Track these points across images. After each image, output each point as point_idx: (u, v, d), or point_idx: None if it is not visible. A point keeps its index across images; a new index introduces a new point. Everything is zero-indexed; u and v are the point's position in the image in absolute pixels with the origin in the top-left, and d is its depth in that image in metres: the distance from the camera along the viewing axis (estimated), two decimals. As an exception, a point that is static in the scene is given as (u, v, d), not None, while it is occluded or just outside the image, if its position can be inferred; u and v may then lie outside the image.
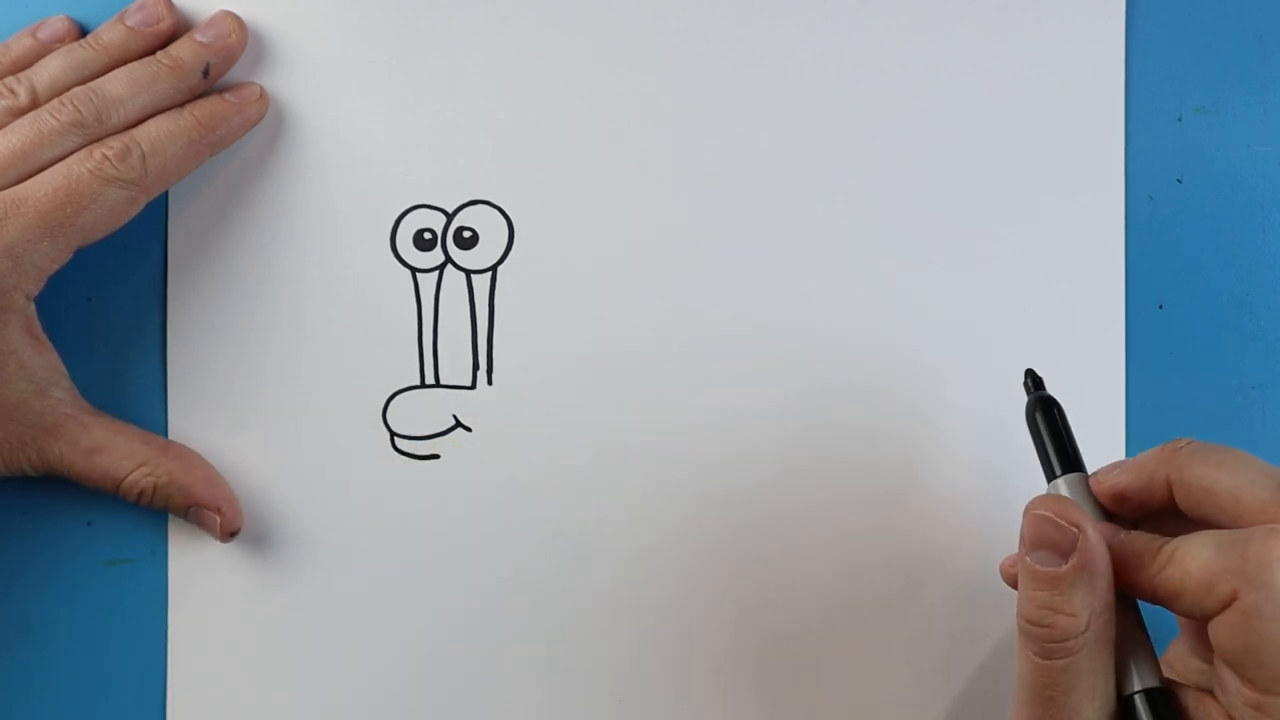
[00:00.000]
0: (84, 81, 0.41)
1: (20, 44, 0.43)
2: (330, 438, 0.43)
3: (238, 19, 0.43)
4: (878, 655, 0.43)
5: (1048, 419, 0.38)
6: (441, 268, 0.44)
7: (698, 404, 0.43)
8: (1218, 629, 0.32)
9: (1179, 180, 0.44)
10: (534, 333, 0.43)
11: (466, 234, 0.44)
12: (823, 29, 0.44)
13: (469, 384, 0.44)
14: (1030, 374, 0.40)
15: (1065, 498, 0.36)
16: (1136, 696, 0.34)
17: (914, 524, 0.43)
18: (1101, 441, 0.44)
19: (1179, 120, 0.44)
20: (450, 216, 0.44)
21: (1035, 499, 0.35)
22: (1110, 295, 0.44)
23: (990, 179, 0.44)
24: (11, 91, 0.41)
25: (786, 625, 0.43)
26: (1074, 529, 0.34)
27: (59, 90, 0.41)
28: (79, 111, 0.40)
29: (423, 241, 0.44)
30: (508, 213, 0.44)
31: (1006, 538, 0.43)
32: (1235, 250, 0.44)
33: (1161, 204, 0.44)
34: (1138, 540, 0.35)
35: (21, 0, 0.44)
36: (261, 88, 0.43)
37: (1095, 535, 0.34)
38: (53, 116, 0.40)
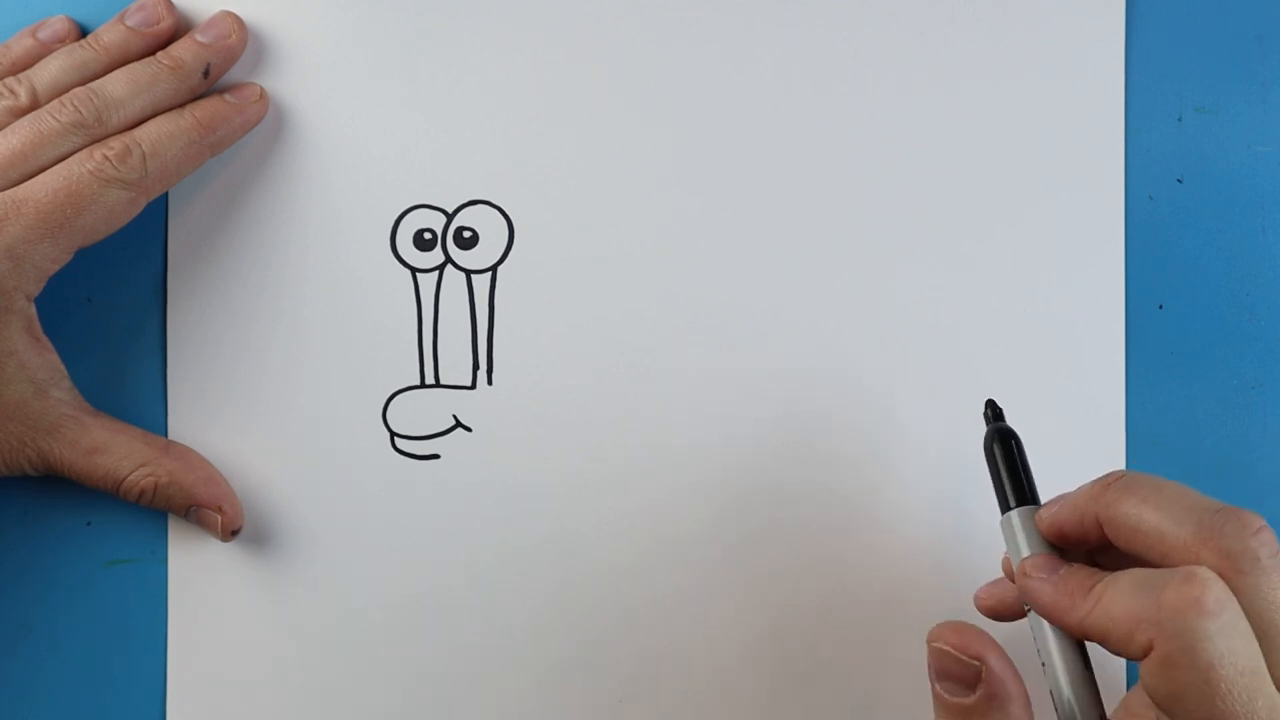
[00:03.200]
0: (84, 82, 0.41)
1: (20, 44, 0.43)
2: (330, 438, 0.43)
3: (238, 19, 0.43)
4: (876, 658, 0.43)
5: (1004, 450, 0.38)
6: (441, 268, 0.44)
7: (698, 404, 0.43)
8: (1145, 674, 0.31)
9: (1179, 180, 0.44)
10: (534, 333, 0.43)
11: (466, 234, 0.44)
12: (822, 29, 0.44)
13: (469, 384, 0.44)
14: (990, 404, 0.39)
15: (967, 626, 0.34)
16: None
17: (913, 523, 0.43)
18: (1102, 442, 0.44)
19: (1179, 120, 0.44)
20: (450, 216, 0.44)
21: (935, 630, 0.34)
22: (1110, 295, 0.44)
23: (990, 179, 0.44)
24: (12, 92, 0.41)
25: (788, 624, 0.43)
26: (975, 663, 0.33)
27: (59, 91, 0.41)
28: (79, 112, 0.40)
29: (423, 241, 0.44)
30: (508, 213, 0.44)
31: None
32: (1235, 250, 0.44)
33: (1161, 204, 0.44)
34: (1071, 578, 0.34)
35: (22, 0, 0.44)
36: (262, 88, 0.43)
37: (1000, 664, 0.33)
38: (53, 117, 0.40)
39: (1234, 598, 0.30)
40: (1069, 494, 0.36)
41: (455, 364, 0.43)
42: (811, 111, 0.44)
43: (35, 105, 0.41)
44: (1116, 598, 0.32)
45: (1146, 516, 0.32)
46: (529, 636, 0.43)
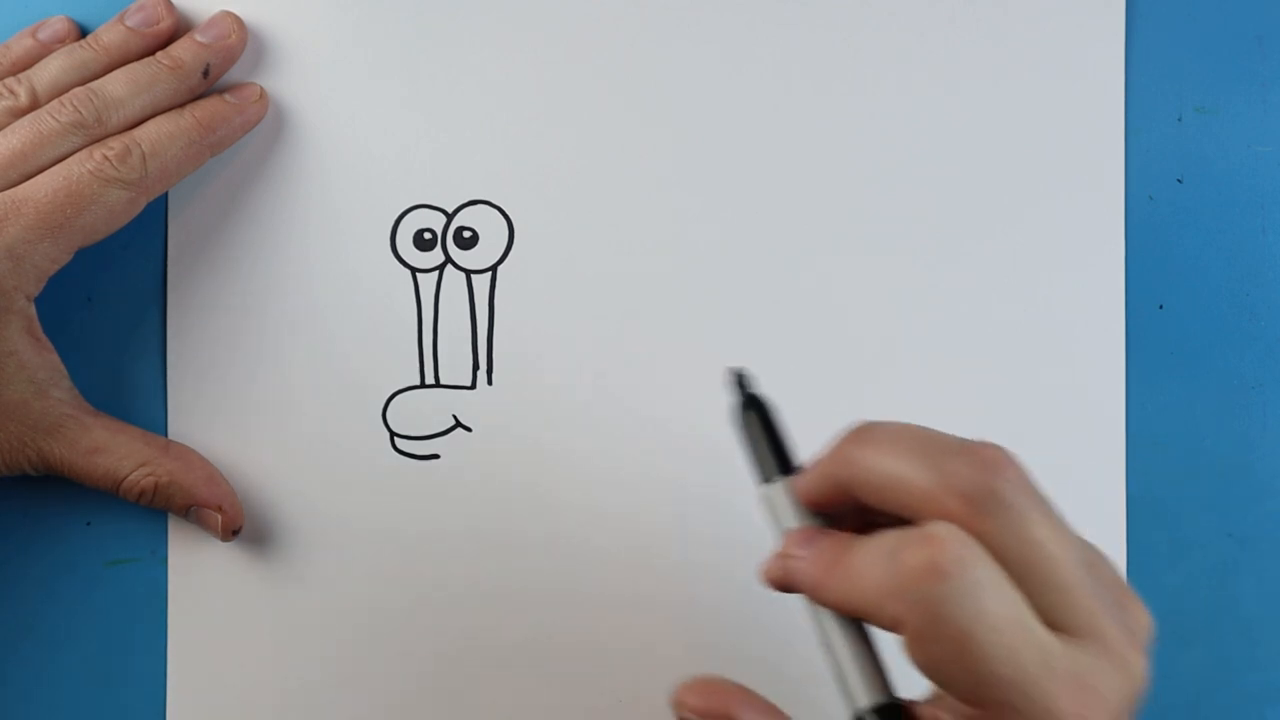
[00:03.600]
0: (84, 82, 0.41)
1: (20, 44, 0.43)
2: (330, 438, 0.43)
3: (238, 19, 0.43)
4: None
5: (760, 417, 0.34)
6: (441, 268, 0.44)
7: (697, 404, 0.43)
8: (905, 650, 0.29)
9: (1179, 180, 0.44)
10: (534, 333, 0.43)
11: (466, 234, 0.44)
12: (822, 29, 0.44)
13: (469, 384, 0.44)
14: (737, 374, 0.35)
15: (708, 683, 0.31)
16: (865, 717, 0.30)
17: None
18: (1102, 442, 0.44)
19: (1179, 120, 0.44)
20: (450, 216, 0.44)
21: (676, 696, 0.31)
22: (1110, 295, 0.44)
23: (990, 179, 0.44)
24: (12, 92, 0.41)
25: (792, 622, 0.43)
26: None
27: (59, 91, 0.41)
28: (79, 112, 0.40)
29: (423, 241, 0.44)
30: (508, 213, 0.44)
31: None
32: (1235, 250, 0.44)
33: (1161, 204, 0.44)
34: (826, 550, 0.31)
35: (21, 0, 0.44)
36: (262, 88, 0.43)
37: (753, 713, 0.30)
38: (53, 117, 0.40)
39: (978, 548, 0.28)
40: (818, 455, 0.32)
41: (455, 364, 0.43)
42: (811, 111, 0.44)
43: (35, 105, 0.41)
44: (863, 569, 0.29)
45: (887, 468, 0.29)
46: (529, 636, 0.43)
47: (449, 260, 0.44)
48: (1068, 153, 0.44)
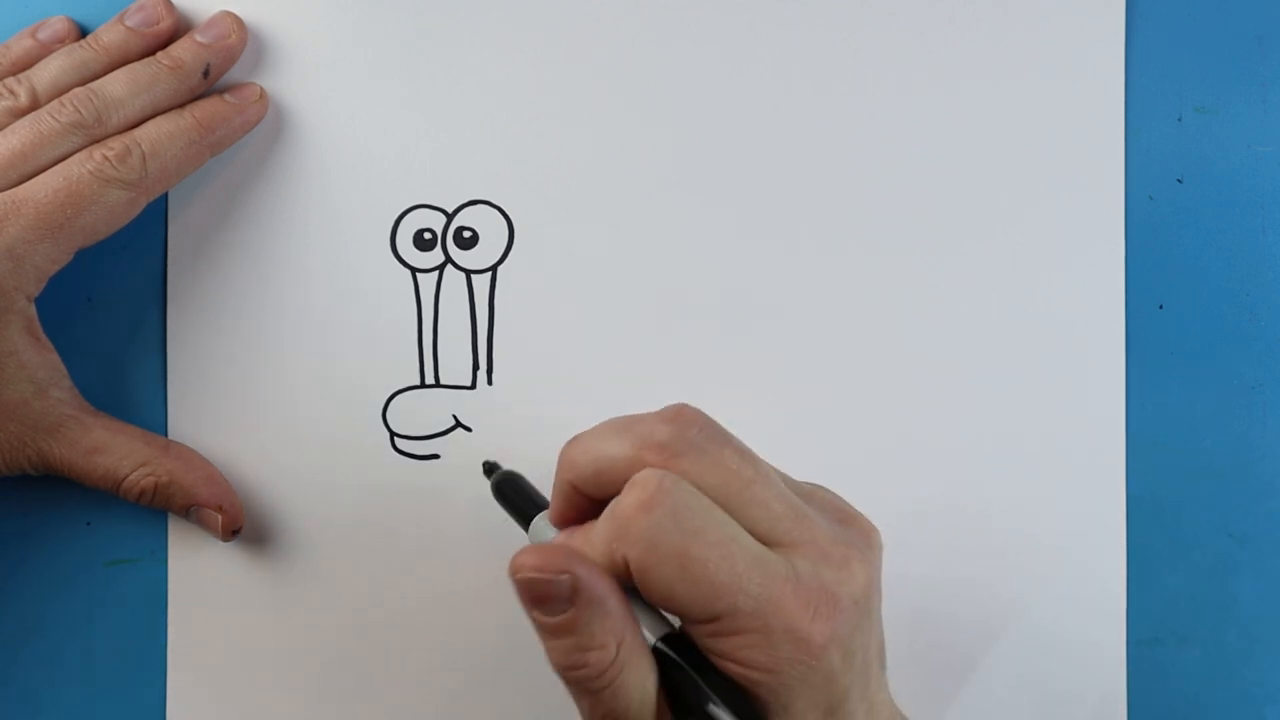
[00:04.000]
0: (84, 82, 0.41)
1: (20, 45, 0.43)
2: (330, 438, 0.43)
3: (238, 19, 0.43)
4: (889, 645, 0.43)
5: (513, 488, 0.39)
6: (441, 268, 0.44)
7: (698, 402, 0.43)
8: (641, 589, 0.32)
9: (1179, 180, 0.44)
10: (534, 333, 0.43)
11: (466, 234, 0.44)
12: (822, 29, 0.44)
13: (469, 384, 0.44)
14: (486, 465, 0.41)
15: (546, 546, 0.34)
16: (657, 646, 0.33)
17: (913, 521, 0.43)
18: (1102, 442, 0.44)
19: (1179, 120, 0.44)
20: (450, 216, 0.44)
21: (514, 563, 0.32)
22: (1110, 295, 0.44)
23: (990, 179, 0.44)
24: (11, 92, 0.41)
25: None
26: (564, 575, 0.32)
27: (59, 91, 0.41)
28: (79, 112, 0.40)
29: (423, 241, 0.44)
30: (508, 213, 0.44)
31: (1005, 529, 0.43)
32: (1235, 250, 0.44)
33: (1161, 204, 0.44)
34: (578, 532, 0.34)
35: (21, 0, 0.44)
36: (262, 88, 0.43)
37: (586, 569, 0.32)
38: (53, 117, 0.40)
39: (680, 480, 0.31)
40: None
41: (455, 364, 0.44)
42: (811, 111, 0.44)
43: (35, 105, 0.41)
44: (596, 531, 0.33)
45: (595, 453, 0.33)
46: (529, 636, 0.43)
47: (449, 260, 0.44)
48: (1068, 152, 0.44)
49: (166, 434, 0.43)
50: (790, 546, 0.32)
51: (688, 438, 0.32)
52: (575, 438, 0.34)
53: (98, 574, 0.43)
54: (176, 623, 0.43)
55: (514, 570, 0.32)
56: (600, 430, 0.34)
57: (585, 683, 0.32)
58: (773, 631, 0.31)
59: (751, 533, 0.32)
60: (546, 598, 0.32)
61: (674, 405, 0.33)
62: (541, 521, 0.37)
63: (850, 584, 0.32)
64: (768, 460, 0.34)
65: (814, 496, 0.35)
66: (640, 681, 0.32)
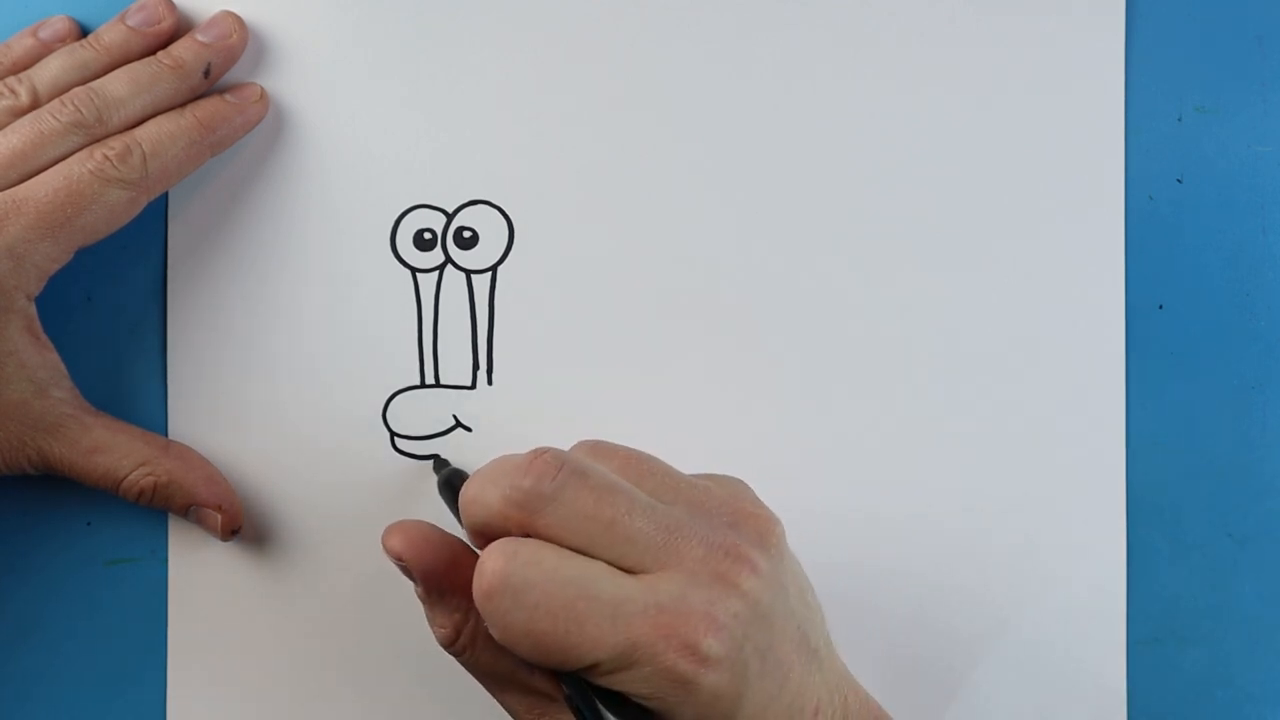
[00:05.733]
0: (85, 82, 0.41)
1: (21, 44, 0.43)
2: (330, 438, 0.43)
3: (238, 19, 0.43)
4: (855, 654, 0.43)
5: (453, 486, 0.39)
6: (441, 268, 0.44)
7: (697, 404, 0.43)
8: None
9: (1179, 180, 0.44)
10: (534, 333, 0.43)
11: (466, 234, 0.44)
12: (822, 30, 0.44)
13: (469, 384, 0.44)
14: (433, 458, 0.43)
15: (409, 526, 0.36)
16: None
17: (913, 521, 0.43)
18: (1102, 442, 0.44)
19: (1179, 120, 0.44)
20: (450, 216, 0.44)
21: (385, 532, 0.36)
22: (1110, 295, 0.44)
23: (990, 179, 0.44)
24: (12, 91, 0.41)
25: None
26: (400, 562, 0.35)
27: (60, 90, 0.41)
28: (80, 112, 0.40)
29: (423, 241, 0.44)
30: (508, 213, 0.44)
31: (1004, 528, 0.43)
32: (1235, 250, 0.44)
33: (1161, 204, 0.44)
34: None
35: (22, 0, 0.44)
36: (262, 88, 0.43)
37: (423, 566, 0.35)
38: (53, 117, 0.40)
39: (520, 553, 0.32)
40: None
41: (455, 364, 0.43)
42: (811, 111, 0.44)
43: (35, 105, 0.41)
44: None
45: (479, 505, 0.33)
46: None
47: (449, 260, 0.44)
48: (1068, 152, 0.44)
49: (166, 434, 0.43)
50: (660, 571, 0.32)
51: (542, 491, 0.32)
52: (471, 476, 0.34)
53: (98, 574, 0.43)
54: (176, 623, 0.43)
55: (382, 539, 0.36)
56: (483, 475, 0.34)
57: (446, 649, 0.36)
58: (639, 669, 0.32)
59: (620, 566, 0.32)
60: (404, 570, 0.36)
61: (532, 452, 0.33)
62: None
63: (725, 599, 0.32)
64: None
65: (705, 500, 0.35)
66: (492, 662, 0.35)
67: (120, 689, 0.43)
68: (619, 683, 0.32)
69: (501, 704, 0.36)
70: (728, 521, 0.34)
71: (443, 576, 0.35)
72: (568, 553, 0.32)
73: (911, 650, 0.43)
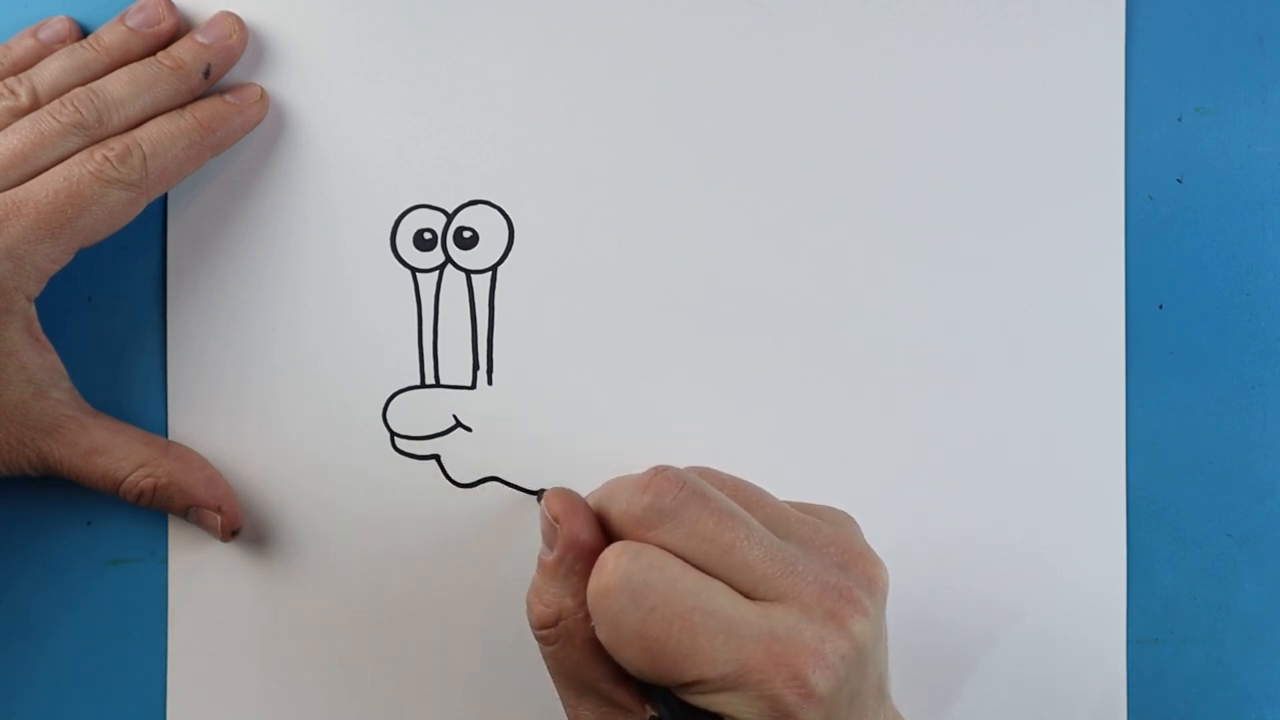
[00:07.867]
0: (85, 82, 0.41)
1: (21, 45, 0.43)
2: (330, 438, 0.43)
3: (238, 20, 0.43)
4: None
5: None
6: (441, 268, 0.44)
7: (697, 404, 0.43)
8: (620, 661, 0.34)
9: (1179, 180, 0.44)
10: (534, 333, 0.44)
11: (466, 234, 0.44)
12: (822, 29, 0.44)
13: (469, 384, 0.44)
14: (538, 493, 0.43)
15: (567, 492, 0.36)
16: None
17: (912, 521, 0.43)
18: (1102, 442, 0.44)
19: (1179, 120, 0.44)
20: (450, 216, 0.44)
21: (550, 492, 0.36)
22: (1110, 295, 0.44)
23: (990, 179, 0.44)
24: (12, 92, 0.41)
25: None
26: (555, 522, 0.35)
27: (60, 91, 0.41)
28: (80, 113, 0.40)
29: (423, 241, 0.44)
30: (508, 213, 0.44)
31: (1001, 530, 0.43)
32: (1235, 250, 0.44)
33: (1161, 204, 0.44)
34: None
35: (22, 0, 0.44)
36: (262, 89, 0.43)
37: (572, 530, 0.35)
38: (54, 118, 0.40)
39: (642, 556, 0.33)
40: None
41: (455, 364, 0.44)
42: (812, 111, 0.44)
43: (36, 106, 0.41)
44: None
45: (606, 507, 0.35)
46: (528, 636, 0.43)
47: (449, 260, 0.44)
48: (1068, 152, 0.44)
49: (166, 434, 0.43)
50: (775, 601, 0.33)
51: (661, 507, 0.33)
52: (588, 495, 0.36)
53: (98, 574, 0.43)
54: (176, 623, 0.43)
55: (545, 500, 0.36)
56: (598, 492, 0.35)
57: (534, 630, 0.35)
58: (745, 693, 0.32)
59: (738, 590, 0.33)
60: (544, 535, 0.36)
61: (652, 470, 0.34)
62: None
63: (835, 639, 0.33)
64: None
65: (815, 537, 0.35)
66: (580, 664, 0.35)
67: (120, 689, 0.43)
68: (718, 704, 0.32)
69: (569, 711, 0.36)
70: (837, 561, 0.35)
71: (580, 553, 0.35)
72: (689, 566, 0.33)
73: (912, 649, 0.43)
